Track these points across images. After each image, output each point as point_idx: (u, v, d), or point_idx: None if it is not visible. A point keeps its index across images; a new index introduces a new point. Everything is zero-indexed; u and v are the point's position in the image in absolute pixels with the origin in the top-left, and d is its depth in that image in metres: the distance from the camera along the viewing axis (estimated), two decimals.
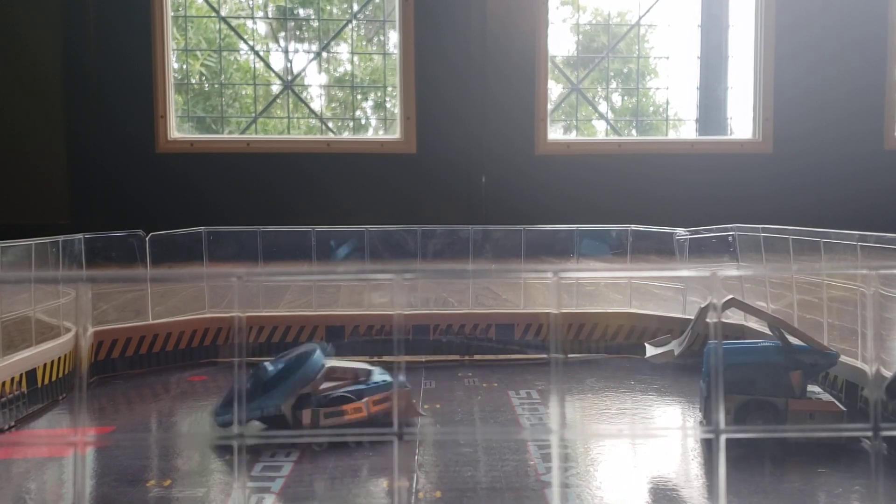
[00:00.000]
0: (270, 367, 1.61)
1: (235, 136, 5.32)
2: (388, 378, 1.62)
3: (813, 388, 1.59)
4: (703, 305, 1.75)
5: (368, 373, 1.64)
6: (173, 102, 5.01)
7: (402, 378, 1.66)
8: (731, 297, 1.68)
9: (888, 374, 1.39)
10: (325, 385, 1.59)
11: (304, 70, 5.51)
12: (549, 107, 5.30)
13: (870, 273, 0.61)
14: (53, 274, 1.75)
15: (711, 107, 6.07)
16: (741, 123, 5.61)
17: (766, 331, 1.99)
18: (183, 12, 5.30)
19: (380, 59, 5.59)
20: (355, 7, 5.45)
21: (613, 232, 2.50)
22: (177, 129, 5.04)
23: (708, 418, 1.57)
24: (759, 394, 1.51)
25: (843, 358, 1.63)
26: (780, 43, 5.21)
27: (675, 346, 1.73)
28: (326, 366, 1.60)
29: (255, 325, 2.35)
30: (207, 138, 5.26)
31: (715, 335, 0.61)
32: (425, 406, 1.82)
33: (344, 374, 1.64)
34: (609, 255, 2.48)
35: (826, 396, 1.55)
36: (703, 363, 1.66)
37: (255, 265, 2.39)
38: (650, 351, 1.80)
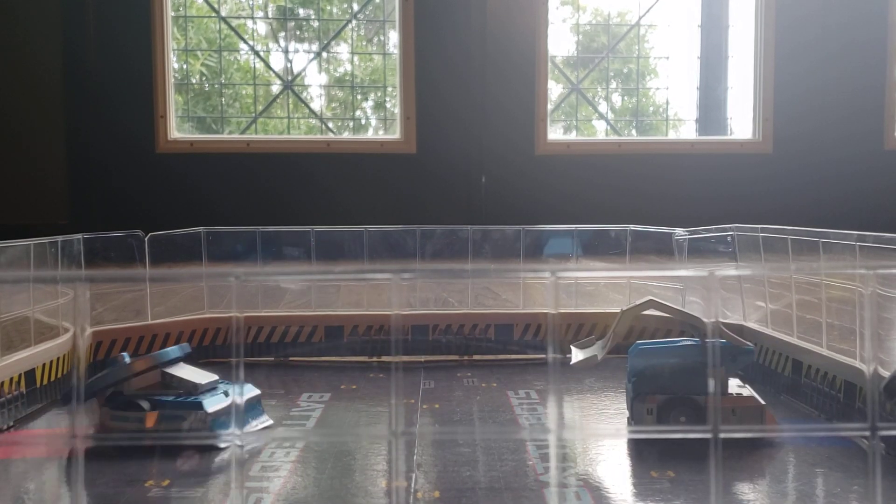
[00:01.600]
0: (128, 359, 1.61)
1: (235, 136, 5.33)
2: (199, 399, 1.57)
3: (735, 383, 1.63)
4: (624, 308, 1.73)
5: (195, 387, 1.60)
6: (173, 102, 5.01)
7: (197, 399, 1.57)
8: (649, 298, 1.68)
9: (886, 373, 1.39)
10: (153, 389, 1.60)
11: (304, 70, 5.52)
12: (549, 107, 5.30)
13: (867, 273, 0.61)
14: (52, 274, 1.74)
15: (711, 107, 6.07)
16: (741, 123, 5.61)
17: (765, 330, 1.99)
18: (183, 12, 5.30)
19: (380, 59, 5.59)
20: (355, 7, 5.46)
21: (612, 232, 2.50)
22: (177, 129, 5.04)
23: (635, 418, 1.58)
24: (680, 392, 1.53)
25: (841, 358, 1.63)
26: (780, 43, 5.21)
27: (598, 351, 1.70)
28: (164, 371, 1.61)
29: (255, 325, 2.35)
30: (207, 138, 5.26)
31: (713, 335, 0.61)
32: (424, 406, 1.82)
33: (180, 383, 1.61)
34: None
35: (747, 391, 1.58)
36: (628, 364, 1.65)
37: (254, 265, 2.39)
38: (575, 356, 1.74)
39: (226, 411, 1.56)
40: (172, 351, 1.64)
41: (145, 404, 1.54)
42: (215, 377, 1.64)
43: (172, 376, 1.61)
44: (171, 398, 1.56)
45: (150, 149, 4.90)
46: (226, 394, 1.60)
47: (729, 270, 0.61)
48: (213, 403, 1.55)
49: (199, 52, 5.59)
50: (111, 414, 1.55)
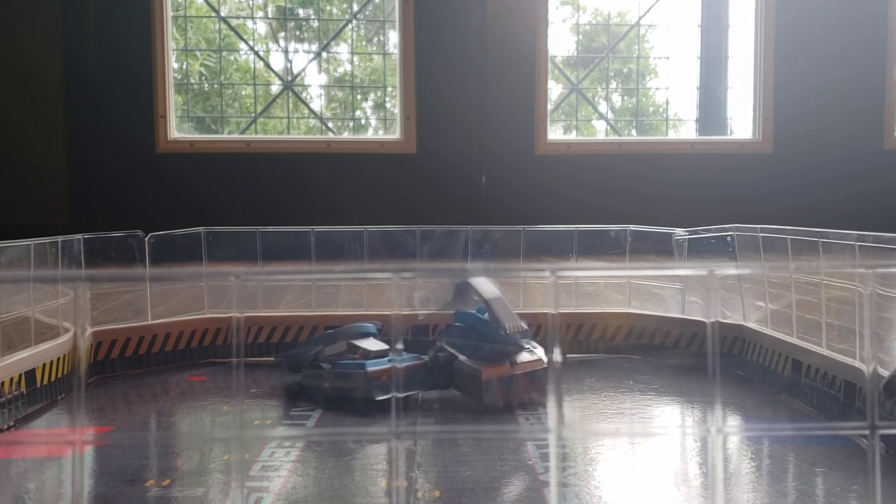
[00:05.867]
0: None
1: (235, 136, 5.33)
2: (363, 362, 1.83)
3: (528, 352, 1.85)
4: (458, 282, 2.03)
5: (367, 354, 1.86)
6: (173, 102, 5.01)
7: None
8: (466, 279, 1.94)
9: (886, 373, 1.39)
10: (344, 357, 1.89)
11: (304, 70, 5.52)
12: (549, 107, 5.30)
13: (866, 272, 0.61)
14: (52, 273, 1.75)
15: (711, 107, 6.07)
16: (741, 123, 5.62)
17: (765, 330, 2.00)
18: (183, 12, 5.30)
19: (380, 59, 5.59)
20: (355, 7, 5.46)
21: (612, 232, 2.50)
22: (177, 129, 5.04)
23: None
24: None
25: (841, 357, 1.63)
26: (780, 43, 5.21)
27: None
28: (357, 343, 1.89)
29: (255, 325, 2.35)
30: (207, 138, 5.26)
31: (712, 334, 0.62)
32: (424, 406, 1.82)
33: (360, 351, 1.89)
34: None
35: (529, 356, 1.84)
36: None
37: (254, 265, 2.39)
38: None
39: (385, 373, 1.80)
40: (361, 326, 1.96)
41: (326, 366, 1.85)
42: (386, 346, 1.90)
43: (356, 346, 1.89)
44: (345, 361, 1.84)
45: (150, 149, 4.90)
46: (390, 360, 1.85)
47: (728, 270, 0.62)
48: (373, 366, 1.80)
49: (198, 53, 5.59)
50: (306, 374, 1.89)
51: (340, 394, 1.80)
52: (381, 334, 1.99)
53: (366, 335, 1.94)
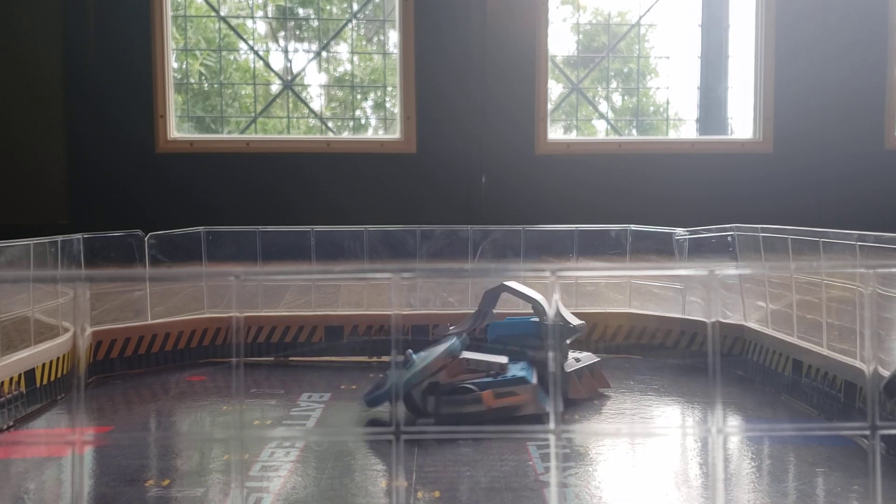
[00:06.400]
0: (415, 356, 1.72)
1: (235, 136, 5.33)
2: (524, 374, 1.69)
3: (579, 355, 1.89)
4: (488, 289, 2.01)
5: (502, 366, 1.72)
6: (173, 102, 5.01)
7: (524, 374, 1.71)
8: (502, 283, 1.95)
9: (886, 373, 1.38)
10: (459, 376, 1.71)
11: (303, 70, 5.52)
12: (549, 107, 5.30)
13: (867, 272, 0.61)
14: (52, 273, 1.75)
15: (711, 107, 6.07)
16: (741, 123, 5.62)
17: (765, 330, 1.99)
18: (183, 12, 5.30)
19: (380, 58, 5.59)
20: (355, 7, 5.46)
21: (612, 232, 2.49)
22: (176, 129, 5.04)
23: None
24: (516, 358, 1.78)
25: (841, 357, 1.63)
26: (780, 43, 5.21)
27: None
28: (461, 357, 1.72)
29: (255, 325, 2.35)
30: (207, 138, 5.26)
31: (712, 333, 0.62)
32: None
33: (478, 366, 1.73)
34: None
35: (585, 355, 1.88)
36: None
37: (254, 265, 2.39)
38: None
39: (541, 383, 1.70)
40: (455, 343, 1.75)
41: (473, 387, 1.65)
42: (506, 357, 1.76)
43: (478, 361, 1.73)
44: (492, 378, 1.68)
45: (150, 149, 4.90)
46: (523, 369, 1.72)
47: (729, 270, 0.61)
48: (531, 377, 1.68)
49: (198, 52, 5.59)
50: (443, 400, 1.64)
51: (507, 413, 1.65)
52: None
53: (456, 351, 1.75)
